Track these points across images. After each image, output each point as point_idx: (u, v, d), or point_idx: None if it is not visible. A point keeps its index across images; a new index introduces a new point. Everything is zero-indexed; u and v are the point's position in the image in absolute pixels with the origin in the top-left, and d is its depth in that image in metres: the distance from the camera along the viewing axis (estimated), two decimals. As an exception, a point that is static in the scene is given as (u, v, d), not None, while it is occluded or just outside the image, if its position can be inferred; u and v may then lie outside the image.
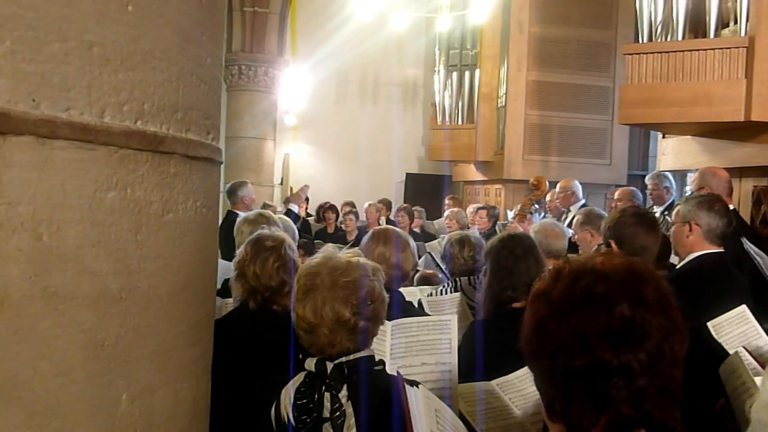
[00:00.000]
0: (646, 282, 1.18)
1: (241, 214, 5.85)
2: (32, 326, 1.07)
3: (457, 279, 3.95)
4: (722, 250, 3.46)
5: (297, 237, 4.12)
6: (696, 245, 3.41)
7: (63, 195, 1.08)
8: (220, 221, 3.99)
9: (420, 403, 1.65)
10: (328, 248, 2.14)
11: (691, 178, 5.01)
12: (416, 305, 3.54)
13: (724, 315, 2.82)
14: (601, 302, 1.14)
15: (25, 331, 1.06)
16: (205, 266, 1.46)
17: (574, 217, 5.73)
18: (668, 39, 5.53)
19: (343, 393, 1.87)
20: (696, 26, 5.53)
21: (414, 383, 1.87)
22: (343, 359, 1.90)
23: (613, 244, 3.00)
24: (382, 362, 2.02)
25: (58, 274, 1.09)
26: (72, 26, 1.09)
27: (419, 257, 5.84)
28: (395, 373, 2.03)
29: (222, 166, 1.62)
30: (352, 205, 10.17)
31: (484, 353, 2.75)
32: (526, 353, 1.24)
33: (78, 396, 1.13)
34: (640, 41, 5.74)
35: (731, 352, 2.66)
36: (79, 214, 1.11)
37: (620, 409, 1.12)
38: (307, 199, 11.26)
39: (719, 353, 2.63)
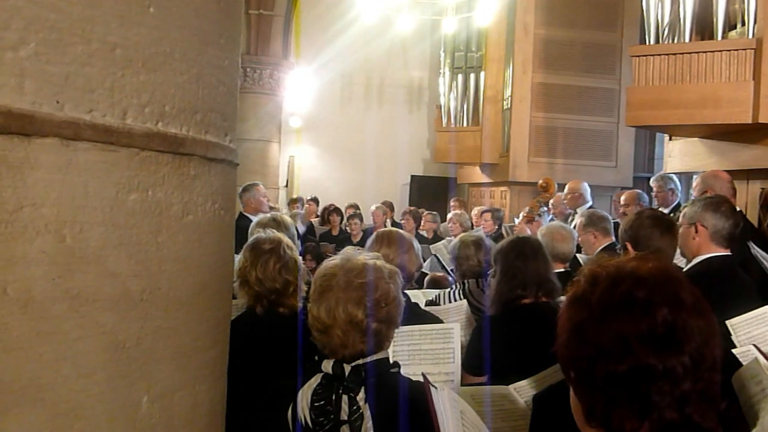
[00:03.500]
0: (683, 285, 1.19)
1: (251, 217, 5.88)
2: (55, 328, 1.06)
3: (466, 281, 3.94)
4: (729, 253, 3.45)
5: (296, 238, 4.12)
6: (703, 247, 3.39)
7: (86, 197, 1.08)
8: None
9: (446, 405, 1.64)
10: (348, 250, 2.12)
11: (694, 182, 5.00)
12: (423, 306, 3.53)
13: (746, 314, 2.80)
14: (643, 307, 1.15)
15: (48, 333, 1.06)
16: (223, 268, 1.46)
17: (580, 220, 5.72)
18: (675, 41, 5.52)
19: (361, 395, 1.86)
20: (703, 28, 5.53)
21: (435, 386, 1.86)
22: (361, 362, 1.89)
23: (629, 246, 2.99)
24: (397, 364, 2.02)
25: (81, 276, 1.09)
26: (95, 28, 1.09)
27: (424, 260, 5.83)
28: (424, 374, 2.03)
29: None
30: (356, 207, 10.17)
31: (492, 348, 2.77)
32: (563, 358, 1.24)
33: (100, 398, 1.13)
34: (647, 43, 5.73)
35: (740, 350, 2.65)
36: (101, 216, 1.11)
37: (664, 414, 1.12)
38: (316, 201, 11.28)
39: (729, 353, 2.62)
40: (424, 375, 1.88)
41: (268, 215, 4.05)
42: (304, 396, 1.89)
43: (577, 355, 1.20)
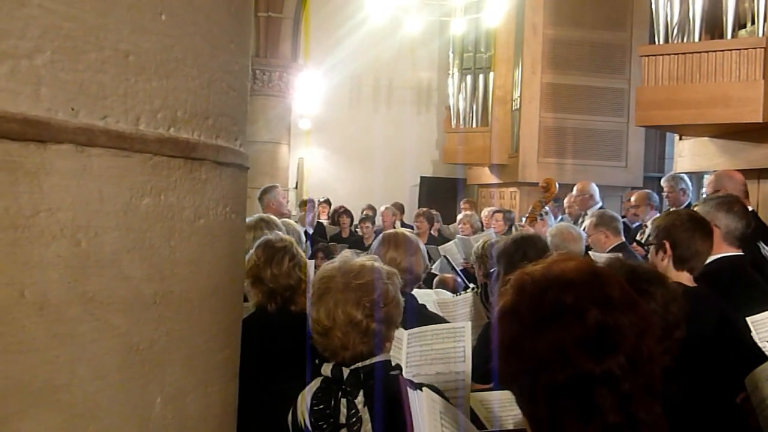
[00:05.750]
0: (611, 283, 1.17)
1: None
2: (70, 331, 1.08)
3: (487, 282, 3.95)
4: (741, 253, 3.44)
5: (303, 240, 4.14)
6: (715, 247, 3.38)
7: (100, 202, 1.10)
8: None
9: (423, 407, 1.64)
10: (346, 253, 2.15)
11: (707, 180, 4.99)
12: (431, 308, 3.54)
13: (766, 312, 2.79)
14: (572, 312, 1.13)
15: (64, 336, 1.08)
16: (234, 271, 1.48)
17: (590, 220, 5.71)
18: (685, 40, 5.51)
19: (360, 399, 1.87)
20: (713, 27, 5.52)
21: (419, 386, 1.86)
22: (359, 365, 1.90)
23: (668, 246, 2.94)
24: (398, 367, 2.02)
25: (95, 279, 1.10)
26: (108, 36, 1.10)
27: (433, 260, 5.84)
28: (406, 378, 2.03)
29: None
30: (372, 209, 10.20)
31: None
32: (504, 375, 1.22)
33: (114, 399, 1.15)
34: (657, 43, 5.73)
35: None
36: (115, 221, 1.12)
37: (607, 417, 1.11)
38: (329, 203, 11.30)
39: (751, 347, 2.61)
40: (402, 376, 1.88)
41: (255, 216, 4.03)
42: (303, 400, 1.90)
43: (516, 369, 1.17)
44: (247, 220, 3.91)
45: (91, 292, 1.10)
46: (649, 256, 3.14)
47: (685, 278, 2.85)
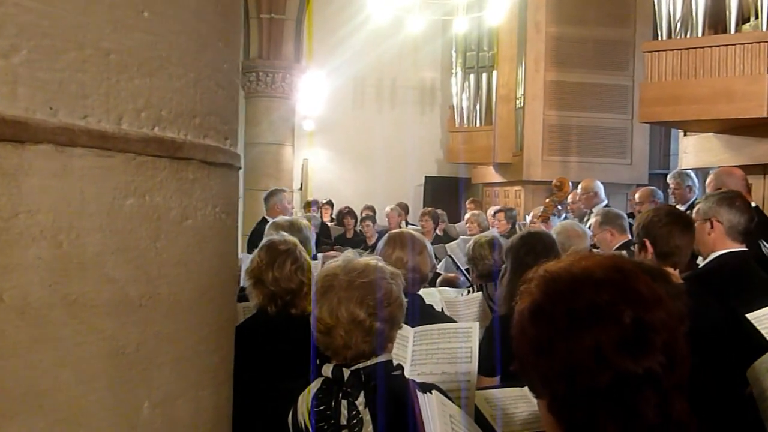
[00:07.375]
0: (637, 277, 1.14)
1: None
2: (53, 334, 1.06)
3: (484, 285, 3.91)
4: (745, 249, 3.40)
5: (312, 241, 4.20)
6: (718, 243, 3.35)
7: (82, 202, 1.08)
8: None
9: (434, 411, 1.61)
10: (348, 253, 2.12)
11: (707, 180, 4.95)
12: (438, 308, 3.51)
13: (765, 308, 2.76)
14: (609, 312, 1.09)
15: (46, 340, 1.06)
16: (225, 272, 1.46)
17: (595, 218, 5.67)
18: (688, 36, 5.48)
19: (361, 400, 1.84)
20: (716, 22, 5.48)
21: (428, 389, 1.83)
22: (360, 366, 1.87)
23: (648, 244, 2.95)
24: (400, 367, 1.98)
25: (78, 281, 1.08)
26: (88, 34, 1.09)
27: (438, 259, 5.82)
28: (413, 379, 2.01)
29: (241, 171, 1.62)
30: (371, 209, 10.18)
31: (502, 348, 2.73)
32: (534, 379, 1.18)
33: (100, 404, 1.13)
34: (660, 38, 5.69)
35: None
36: (98, 222, 1.10)
37: (648, 418, 1.08)
38: (331, 204, 11.32)
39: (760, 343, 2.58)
40: (412, 380, 1.85)
41: (287, 218, 4.09)
42: (304, 401, 1.87)
43: (550, 374, 1.13)
44: (278, 220, 3.98)
45: (74, 295, 1.08)
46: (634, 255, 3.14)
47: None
